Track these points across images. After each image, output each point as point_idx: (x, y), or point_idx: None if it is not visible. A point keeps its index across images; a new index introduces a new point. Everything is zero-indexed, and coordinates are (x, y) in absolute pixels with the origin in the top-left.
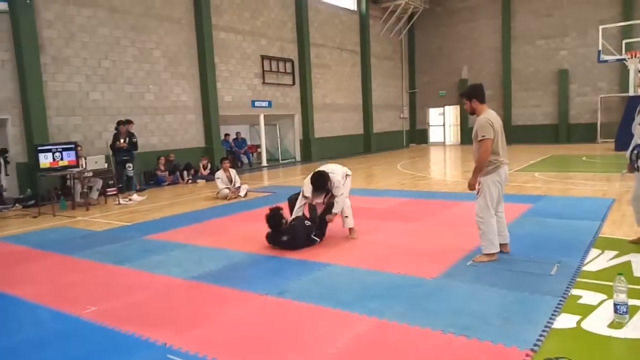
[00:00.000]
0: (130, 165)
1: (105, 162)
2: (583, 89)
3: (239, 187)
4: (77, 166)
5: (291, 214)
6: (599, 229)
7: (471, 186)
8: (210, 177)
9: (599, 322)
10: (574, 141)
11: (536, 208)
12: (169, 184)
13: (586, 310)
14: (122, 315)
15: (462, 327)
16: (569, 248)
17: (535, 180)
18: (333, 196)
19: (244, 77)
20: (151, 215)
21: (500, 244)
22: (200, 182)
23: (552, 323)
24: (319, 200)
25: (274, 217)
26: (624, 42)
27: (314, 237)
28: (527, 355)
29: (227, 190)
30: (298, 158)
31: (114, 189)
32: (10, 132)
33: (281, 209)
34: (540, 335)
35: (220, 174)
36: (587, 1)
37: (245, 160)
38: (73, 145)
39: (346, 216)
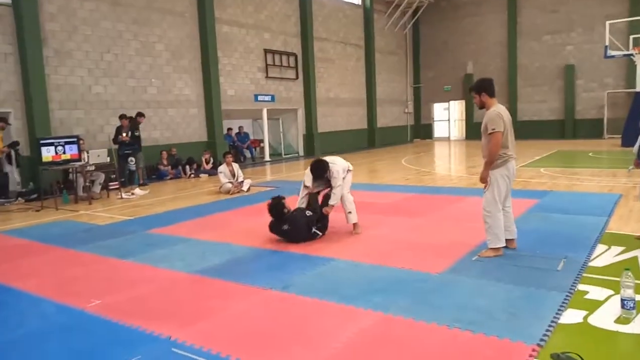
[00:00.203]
0: (133, 159)
1: (108, 155)
2: (589, 84)
3: (242, 181)
4: (79, 160)
5: None
6: (605, 225)
7: (483, 179)
8: (213, 172)
9: (605, 318)
10: (580, 137)
11: (542, 203)
12: (171, 178)
13: (593, 305)
14: (126, 308)
15: (468, 322)
16: (575, 244)
17: (541, 176)
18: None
19: (247, 71)
20: (154, 210)
21: (508, 240)
22: (203, 176)
23: (558, 318)
24: (320, 189)
25: (275, 206)
26: (631, 37)
27: (315, 231)
28: (533, 350)
29: (229, 185)
30: (301, 153)
31: (117, 183)
32: (13, 126)
33: (284, 198)
34: (547, 331)
35: (223, 168)
36: None
37: (247, 154)
38: (75, 139)
39: (349, 212)
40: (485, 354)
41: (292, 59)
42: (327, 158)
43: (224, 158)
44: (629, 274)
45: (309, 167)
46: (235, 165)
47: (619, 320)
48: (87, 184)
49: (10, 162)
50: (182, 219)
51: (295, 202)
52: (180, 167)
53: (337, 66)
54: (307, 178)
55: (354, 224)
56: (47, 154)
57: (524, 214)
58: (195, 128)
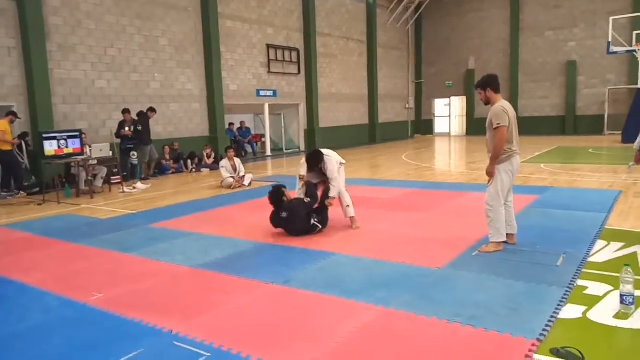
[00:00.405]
0: (135, 153)
1: (110, 150)
2: (591, 80)
3: (244, 176)
4: (81, 154)
5: None
6: (605, 221)
7: (489, 174)
8: (215, 166)
9: (605, 313)
10: (580, 133)
11: (542, 199)
12: (173, 173)
13: (592, 301)
14: (129, 302)
15: (468, 316)
16: (575, 239)
17: (542, 172)
18: (328, 181)
19: (250, 66)
20: (156, 204)
21: (508, 234)
22: (205, 171)
23: (558, 313)
24: (315, 181)
25: (275, 194)
26: (634, 33)
27: (315, 223)
28: (533, 345)
29: (231, 179)
30: (302, 148)
31: (119, 177)
32: (16, 119)
33: (284, 187)
34: (547, 326)
35: (224, 162)
36: None
37: (249, 149)
38: (78, 133)
39: (347, 205)
40: (485, 349)
41: (294, 54)
42: (322, 151)
43: (226, 153)
44: (629, 269)
45: (304, 157)
46: (237, 160)
47: (618, 316)
48: (90, 178)
49: (21, 153)
50: (184, 213)
51: (294, 196)
52: (182, 162)
53: (339, 61)
54: (302, 168)
55: (352, 218)
56: (50, 148)
57: (524, 209)
58: (197, 123)
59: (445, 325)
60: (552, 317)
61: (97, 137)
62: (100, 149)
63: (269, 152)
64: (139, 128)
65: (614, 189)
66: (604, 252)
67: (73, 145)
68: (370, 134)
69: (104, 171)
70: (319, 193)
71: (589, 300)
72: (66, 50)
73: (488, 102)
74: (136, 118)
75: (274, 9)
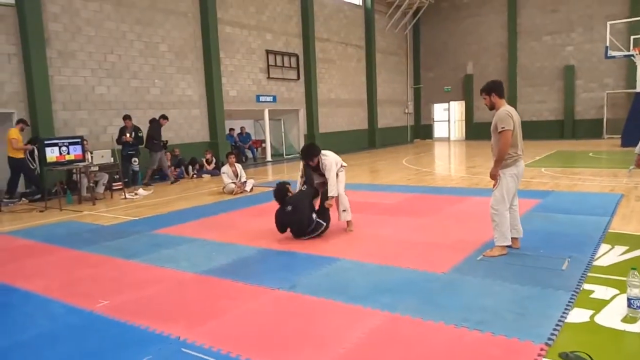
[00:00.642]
0: (136, 159)
1: (112, 156)
2: (589, 85)
3: (245, 181)
4: (83, 160)
5: None
6: (608, 225)
7: (493, 177)
8: (216, 172)
9: (612, 317)
10: (579, 137)
11: (545, 203)
12: (176, 179)
13: (599, 304)
14: (135, 309)
15: (476, 321)
16: (579, 243)
17: (542, 176)
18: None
19: (249, 72)
20: (158, 210)
21: (512, 238)
22: (205, 176)
23: (565, 317)
24: (316, 180)
25: (280, 190)
26: (631, 37)
27: (319, 221)
28: (541, 349)
29: (233, 185)
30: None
31: (120, 183)
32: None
33: (288, 183)
34: (554, 330)
35: (226, 168)
36: None
37: (249, 155)
38: (79, 140)
39: (344, 210)
40: (494, 354)
41: (293, 59)
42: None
43: (227, 158)
44: (636, 273)
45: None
46: (238, 166)
47: (625, 320)
48: (91, 184)
49: (33, 159)
50: (187, 219)
51: None
52: (182, 168)
53: (338, 67)
54: (302, 168)
55: (348, 222)
56: (51, 154)
57: (526, 213)
58: (197, 129)
59: (452, 330)
60: (559, 321)
61: (97, 144)
62: (102, 156)
63: (269, 158)
64: (140, 134)
65: (615, 193)
66: (609, 255)
67: (74, 151)
68: (370, 139)
69: (105, 177)
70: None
71: (596, 304)
72: (66, 57)
73: (493, 107)
74: (147, 124)
75: (272, 14)
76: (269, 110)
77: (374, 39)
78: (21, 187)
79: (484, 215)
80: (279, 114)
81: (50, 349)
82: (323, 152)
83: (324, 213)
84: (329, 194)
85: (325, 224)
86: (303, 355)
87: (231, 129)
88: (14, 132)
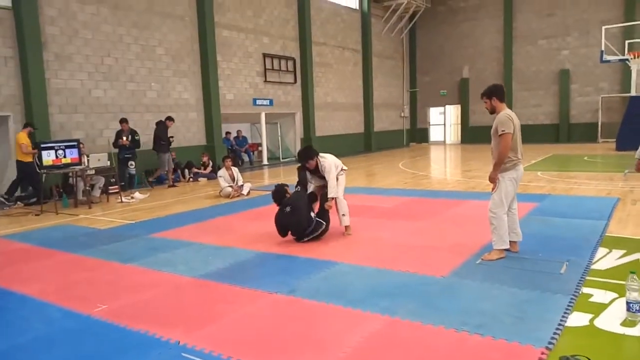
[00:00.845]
0: (133, 163)
1: (108, 159)
2: (584, 89)
3: (242, 185)
4: (79, 164)
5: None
6: (605, 228)
7: (492, 180)
8: (212, 175)
9: (611, 320)
10: (574, 141)
11: (541, 207)
12: (173, 183)
13: (598, 308)
14: (133, 313)
15: (476, 325)
16: (577, 247)
17: (539, 180)
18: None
19: (246, 75)
20: (155, 214)
21: (512, 242)
22: (202, 180)
23: (565, 321)
24: (317, 184)
25: (278, 192)
26: (626, 42)
27: (319, 220)
28: (542, 353)
29: (230, 189)
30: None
31: (116, 186)
32: (12, 129)
33: (286, 185)
34: (554, 334)
35: (222, 172)
36: (589, 2)
37: (246, 158)
38: (76, 143)
39: (343, 214)
40: (495, 358)
41: (290, 63)
42: (320, 153)
43: (224, 162)
44: (635, 277)
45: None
46: (235, 169)
47: (624, 323)
48: (87, 187)
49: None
50: (184, 223)
51: None
52: (179, 171)
53: (335, 70)
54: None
55: (346, 226)
56: (48, 157)
57: (524, 217)
58: (194, 132)
59: (452, 334)
60: (559, 325)
61: (94, 147)
62: (98, 159)
63: (265, 161)
64: (137, 137)
65: (611, 197)
66: (606, 259)
67: (71, 155)
68: (366, 143)
69: (101, 181)
70: (318, 198)
71: (595, 308)
72: (63, 60)
73: (493, 110)
74: (154, 126)
75: (269, 18)
76: (265, 114)
77: (370, 42)
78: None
79: (482, 219)
80: (276, 117)
81: (47, 353)
82: (322, 154)
83: (323, 214)
84: (329, 195)
85: (325, 223)
86: (303, 359)
87: (228, 133)
88: (23, 137)
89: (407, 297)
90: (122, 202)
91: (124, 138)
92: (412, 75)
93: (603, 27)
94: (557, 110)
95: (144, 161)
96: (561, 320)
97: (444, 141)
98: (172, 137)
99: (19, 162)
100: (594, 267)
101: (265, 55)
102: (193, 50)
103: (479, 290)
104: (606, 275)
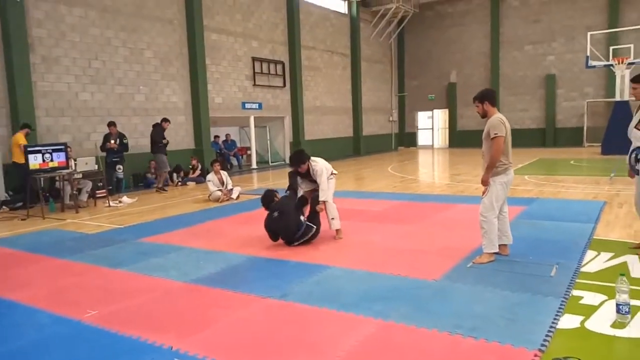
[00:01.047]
0: (120, 167)
1: (96, 163)
2: (570, 94)
3: (232, 189)
4: (67, 167)
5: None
6: (593, 231)
7: (484, 182)
8: (201, 179)
9: (602, 322)
10: (560, 145)
11: (530, 210)
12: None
13: (588, 310)
14: (124, 319)
15: (469, 328)
16: (566, 250)
17: (526, 183)
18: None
19: (235, 79)
20: (143, 218)
21: (502, 245)
22: (190, 184)
23: (556, 323)
24: (307, 189)
25: (266, 197)
26: (611, 48)
27: (309, 224)
28: (535, 355)
29: (219, 193)
30: (288, 160)
31: (104, 190)
32: None
33: (276, 191)
34: (547, 336)
35: (211, 176)
36: (574, 8)
37: (234, 162)
38: (63, 147)
39: (332, 218)
40: None
41: (279, 67)
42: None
43: (212, 166)
44: (624, 279)
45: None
46: (224, 173)
47: (614, 325)
48: (75, 192)
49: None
50: (173, 227)
51: None
52: (167, 175)
53: (324, 74)
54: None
55: (337, 230)
56: (34, 161)
57: (512, 220)
58: (182, 136)
59: (446, 337)
60: (551, 327)
61: (81, 151)
62: (86, 163)
63: (254, 165)
64: (125, 141)
65: (598, 200)
66: (595, 262)
67: (58, 158)
68: (355, 146)
69: (89, 185)
70: (308, 201)
71: (586, 310)
72: (50, 63)
73: (485, 114)
74: (150, 129)
75: (258, 22)
76: (254, 118)
77: (359, 47)
78: (1, 194)
79: (471, 223)
80: (265, 121)
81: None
82: (313, 158)
83: (314, 217)
84: (320, 199)
85: (315, 227)
86: None
87: (216, 136)
88: (21, 138)
89: (400, 300)
90: (109, 206)
91: (112, 141)
92: (400, 80)
93: (588, 33)
94: (544, 115)
95: (132, 165)
96: (553, 323)
97: (432, 145)
98: (165, 139)
99: (16, 164)
100: (583, 269)
101: (254, 59)
102: (182, 53)
103: (471, 294)
104: (595, 278)
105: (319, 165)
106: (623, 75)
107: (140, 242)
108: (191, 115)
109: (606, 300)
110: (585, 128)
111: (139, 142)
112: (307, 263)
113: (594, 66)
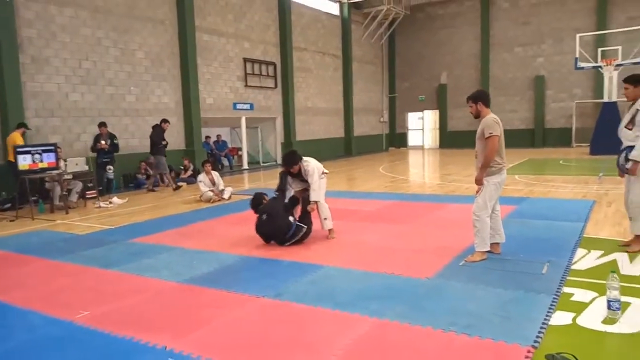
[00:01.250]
0: (111, 167)
1: (86, 164)
2: (559, 95)
3: (223, 189)
4: (57, 168)
5: None
6: (583, 230)
7: (478, 181)
8: (192, 180)
9: (593, 319)
10: (549, 145)
11: (520, 209)
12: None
13: (580, 307)
14: (117, 319)
15: (463, 325)
16: (556, 248)
17: (517, 183)
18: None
19: (226, 80)
20: (134, 219)
21: (495, 244)
22: (181, 184)
23: (548, 320)
24: (297, 188)
25: (255, 200)
26: (599, 50)
27: (299, 224)
28: (528, 351)
29: (210, 193)
30: (279, 161)
31: (94, 191)
32: None
33: (265, 194)
34: (539, 332)
35: (202, 177)
36: (563, 10)
37: (225, 162)
38: (53, 147)
39: (325, 218)
40: (483, 357)
41: (271, 68)
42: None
43: (203, 167)
44: (615, 276)
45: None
46: (215, 174)
47: (605, 321)
48: (64, 192)
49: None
50: (165, 227)
51: None
52: (157, 176)
53: (315, 76)
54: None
55: (330, 230)
56: (24, 162)
57: (503, 219)
58: (173, 136)
59: (441, 334)
60: (543, 323)
61: (71, 151)
62: (76, 163)
63: (245, 166)
64: (116, 142)
65: (587, 199)
66: (586, 259)
67: (48, 159)
68: (346, 147)
69: (79, 186)
70: (300, 201)
71: (577, 307)
72: (40, 63)
73: (478, 115)
74: (151, 130)
75: (250, 23)
76: (246, 118)
77: (350, 48)
78: None
79: (463, 222)
80: (256, 121)
81: None
82: (304, 158)
83: (305, 217)
84: (312, 199)
85: (305, 227)
86: None
87: (207, 137)
88: (18, 138)
89: (395, 299)
90: (100, 207)
91: (103, 142)
92: (391, 81)
93: (577, 35)
94: (533, 116)
95: (122, 165)
96: (545, 319)
97: (422, 146)
98: (164, 140)
99: (10, 163)
100: (574, 267)
101: (245, 60)
102: (173, 54)
103: (464, 291)
104: (586, 275)
105: (311, 165)
106: (611, 76)
107: (132, 243)
108: (182, 116)
109: (597, 297)
110: (573, 129)
111: (130, 142)
112: (300, 262)
113: (583, 68)
